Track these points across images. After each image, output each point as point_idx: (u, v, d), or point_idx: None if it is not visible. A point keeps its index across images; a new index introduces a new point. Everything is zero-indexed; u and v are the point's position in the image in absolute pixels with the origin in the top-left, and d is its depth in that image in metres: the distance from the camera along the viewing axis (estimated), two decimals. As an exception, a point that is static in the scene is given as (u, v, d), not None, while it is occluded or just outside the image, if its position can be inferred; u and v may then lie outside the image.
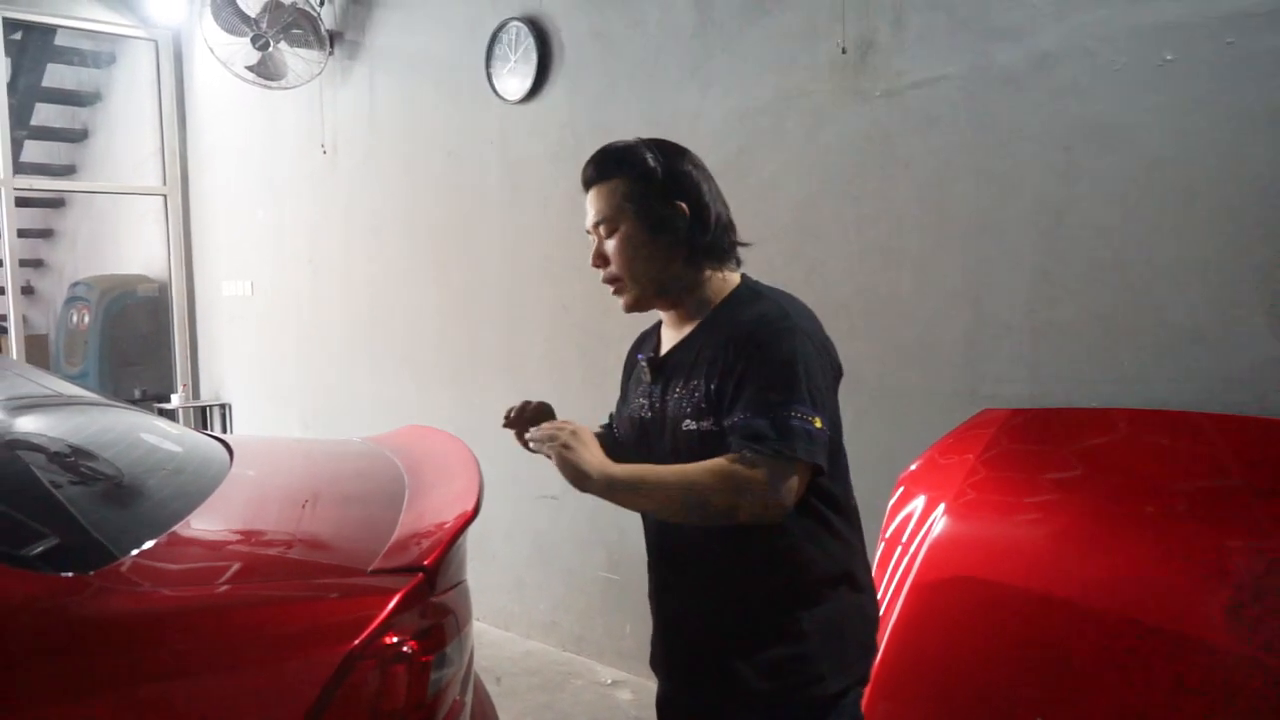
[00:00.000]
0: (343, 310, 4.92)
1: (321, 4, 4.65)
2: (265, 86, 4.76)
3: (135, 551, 1.49)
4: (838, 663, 1.54)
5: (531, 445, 1.60)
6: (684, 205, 1.58)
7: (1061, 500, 2.03)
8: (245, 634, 1.37)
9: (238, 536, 1.76)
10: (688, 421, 1.54)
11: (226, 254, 5.75)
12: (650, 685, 1.78)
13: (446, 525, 1.58)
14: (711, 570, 1.58)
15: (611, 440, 1.74)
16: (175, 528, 1.62)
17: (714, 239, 1.60)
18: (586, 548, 3.81)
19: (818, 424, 1.42)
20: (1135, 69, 2.36)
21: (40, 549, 1.44)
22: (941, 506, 2.06)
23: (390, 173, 4.56)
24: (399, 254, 4.57)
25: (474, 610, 1.69)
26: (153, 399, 6.01)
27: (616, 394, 1.83)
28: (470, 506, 1.63)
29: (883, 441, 2.79)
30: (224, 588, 1.49)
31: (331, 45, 4.68)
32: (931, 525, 2.05)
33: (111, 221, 7.13)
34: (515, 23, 3.84)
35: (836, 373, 1.58)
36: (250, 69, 4.67)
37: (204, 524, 1.70)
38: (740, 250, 1.67)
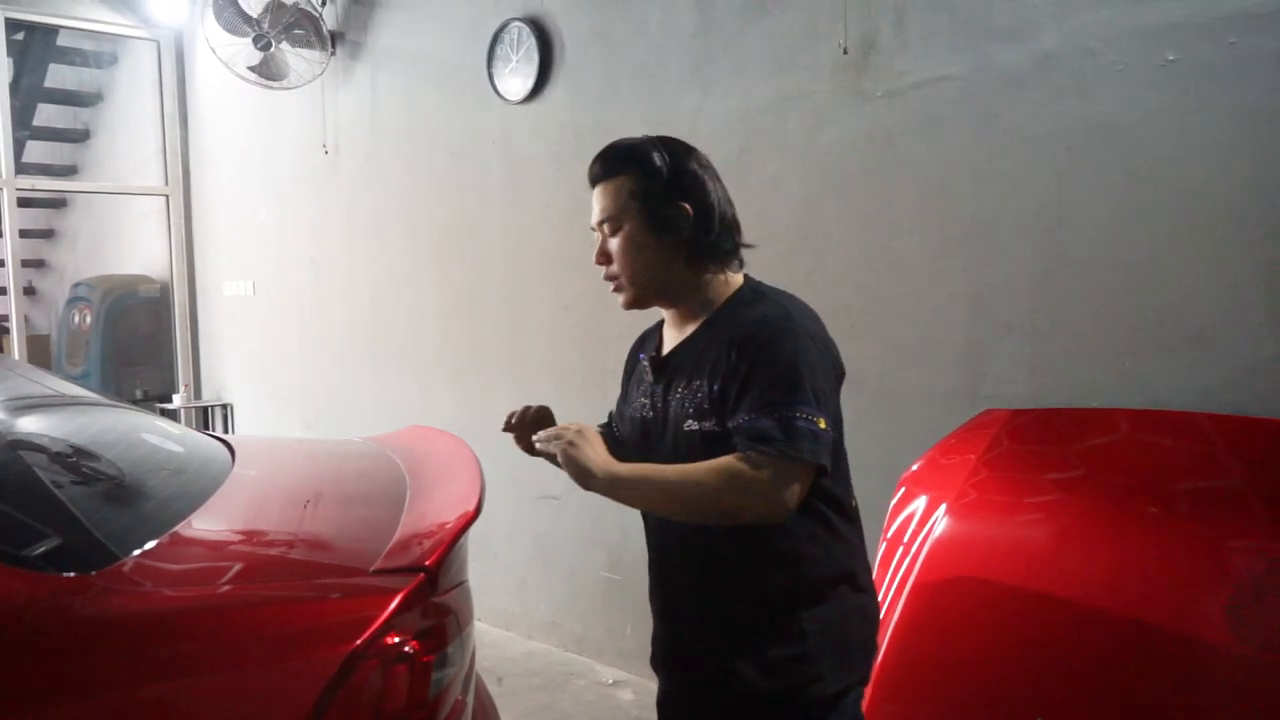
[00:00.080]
0: (344, 310, 4.92)
1: (323, 4, 4.65)
2: (267, 87, 4.76)
3: (137, 552, 1.49)
4: (838, 662, 1.54)
5: (537, 446, 1.60)
6: (688, 206, 1.57)
7: (1063, 500, 2.03)
8: (247, 634, 1.37)
9: (239, 537, 1.76)
10: (690, 421, 1.54)
11: (228, 254, 5.75)
12: (651, 685, 1.78)
13: (448, 525, 1.58)
14: (712, 570, 1.58)
15: (613, 439, 1.74)
16: (177, 528, 1.62)
17: (717, 240, 1.59)
18: (588, 548, 3.81)
19: (822, 424, 1.43)
20: (1137, 69, 2.36)
21: (42, 549, 1.44)
22: (943, 507, 2.06)
23: (392, 173, 4.57)
24: (400, 254, 4.57)
25: (475, 610, 1.69)
26: (154, 399, 6.01)
27: (618, 394, 1.83)
28: (472, 507, 1.63)
29: (884, 441, 2.79)
30: (226, 588, 1.50)
31: (333, 45, 4.69)
32: (933, 525, 2.05)
33: (113, 222, 7.14)
34: (517, 23, 3.84)
35: (839, 373, 1.58)
36: (252, 69, 4.67)
37: (206, 524, 1.70)
38: (743, 251, 1.67)
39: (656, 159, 1.58)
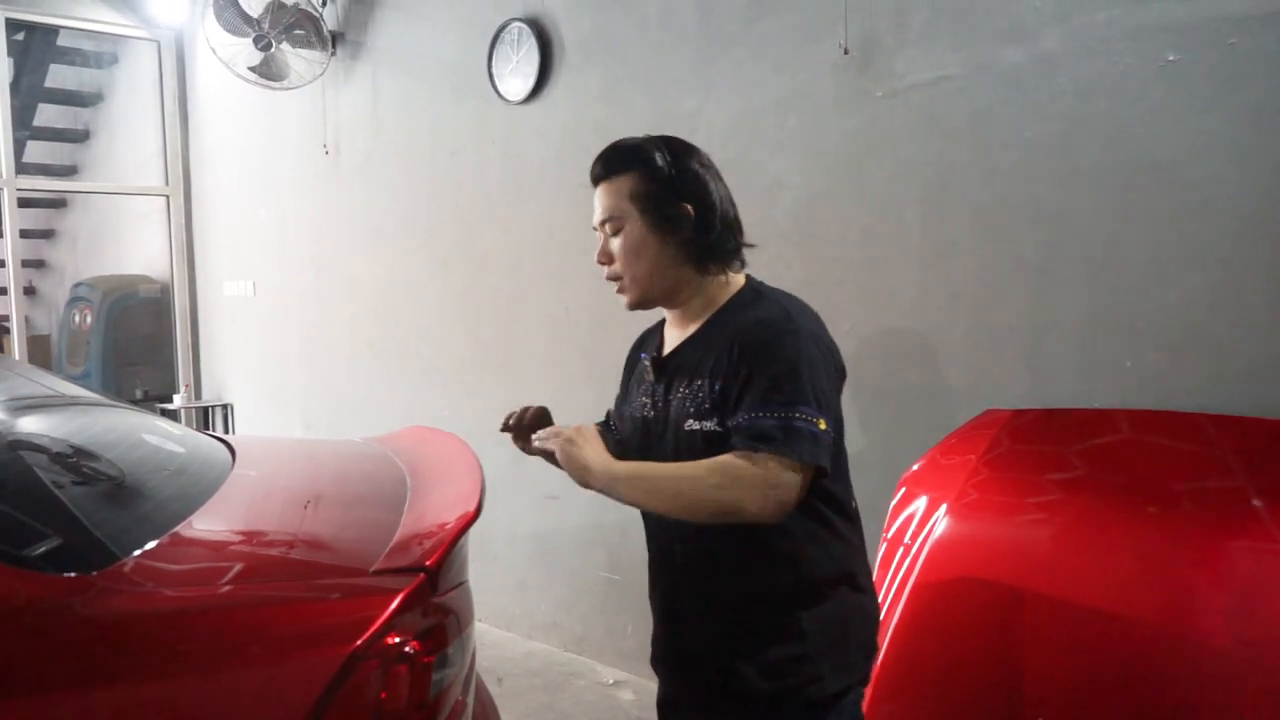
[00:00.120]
0: (345, 311, 4.92)
1: (324, 4, 4.65)
2: (267, 87, 4.76)
3: (137, 552, 1.49)
4: (838, 663, 1.54)
5: (535, 444, 1.60)
6: (690, 206, 1.57)
7: (1063, 500, 2.03)
8: (247, 634, 1.37)
9: (240, 537, 1.76)
10: (690, 422, 1.54)
11: (228, 254, 5.76)
12: (652, 685, 1.78)
13: (448, 526, 1.58)
14: (712, 570, 1.58)
15: (611, 438, 1.74)
16: (177, 528, 1.62)
17: (719, 240, 1.59)
18: (588, 548, 3.81)
19: (822, 425, 1.43)
20: (1137, 70, 2.36)
21: (43, 549, 1.44)
22: (943, 507, 2.06)
23: (393, 173, 4.57)
24: (401, 254, 4.57)
25: (476, 611, 1.69)
26: (155, 399, 6.02)
27: (617, 393, 1.83)
28: (472, 507, 1.63)
29: (884, 441, 2.80)
30: (226, 588, 1.50)
31: (334, 46, 4.69)
32: (933, 526, 2.05)
33: (113, 222, 7.14)
34: (517, 23, 3.84)
35: (840, 374, 1.58)
36: (252, 69, 4.68)
37: (206, 524, 1.70)
38: (744, 251, 1.67)
39: (659, 159, 1.58)
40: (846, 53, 2.88)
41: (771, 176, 3.09)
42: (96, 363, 6.48)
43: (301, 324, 5.21)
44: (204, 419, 5.80)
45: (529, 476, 3.93)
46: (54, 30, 6.20)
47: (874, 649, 1.64)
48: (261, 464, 2.15)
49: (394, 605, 1.38)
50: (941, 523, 2.04)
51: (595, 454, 1.50)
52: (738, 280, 1.64)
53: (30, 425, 1.93)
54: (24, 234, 6.46)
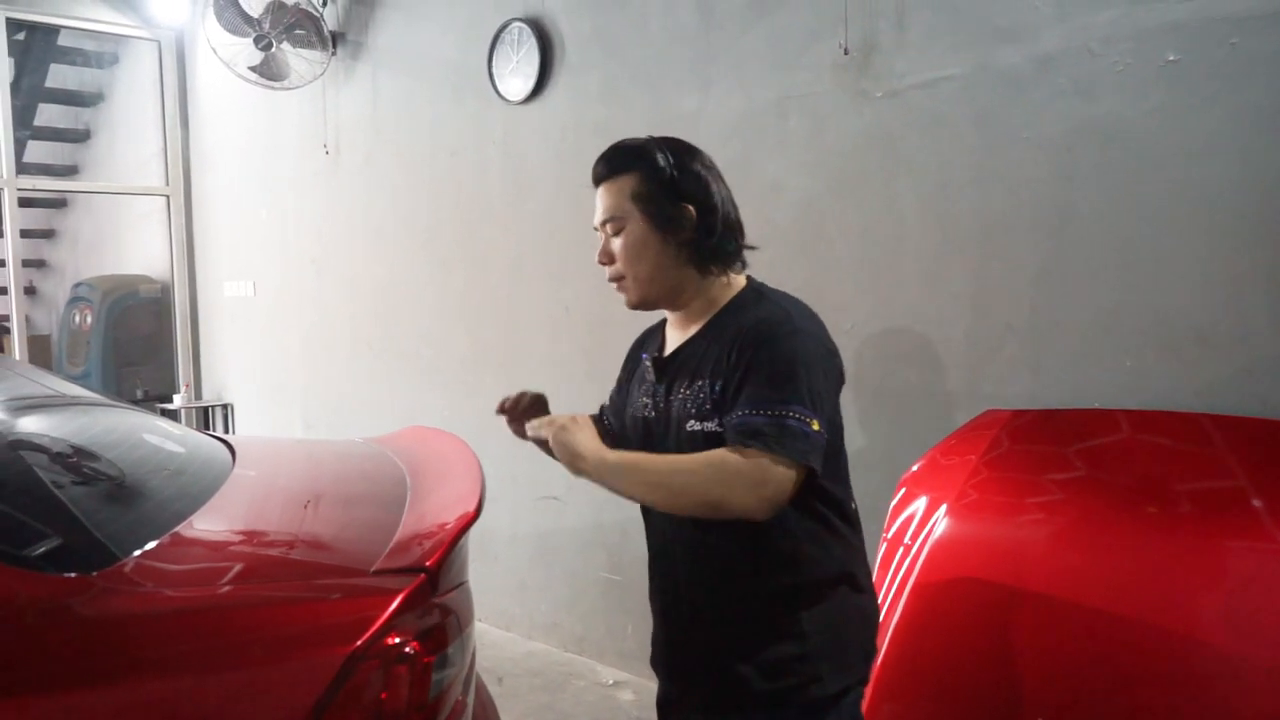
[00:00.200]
0: (345, 310, 4.92)
1: (324, 4, 4.65)
2: (268, 87, 4.76)
3: (138, 552, 1.49)
4: (838, 663, 1.55)
5: (529, 432, 1.60)
6: (691, 207, 1.57)
7: (1063, 501, 2.03)
8: (247, 634, 1.37)
9: (240, 537, 1.76)
10: (692, 422, 1.54)
11: (229, 254, 5.76)
12: (652, 686, 1.78)
13: (448, 526, 1.58)
14: (712, 570, 1.58)
15: (603, 429, 1.75)
16: (178, 528, 1.62)
17: (720, 242, 1.59)
18: (588, 549, 3.81)
19: (815, 426, 1.42)
20: (1138, 70, 2.36)
21: (43, 549, 1.44)
22: (943, 507, 2.06)
23: (393, 173, 4.57)
24: (401, 254, 4.57)
25: (476, 611, 1.69)
26: (155, 399, 6.01)
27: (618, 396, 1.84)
28: (472, 507, 1.63)
29: (884, 442, 2.80)
30: (226, 588, 1.50)
31: (334, 46, 4.69)
32: (933, 526, 2.05)
33: (114, 222, 7.14)
34: (517, 23, 3.84)
35: (839, 377, 1.58)
36: (253, 69, 4.68)
37: (206, 525, 1.70)
38: (745, 252, 1.67)
39: (661, 159, 1.58)
40: (846, 53, 2.88)
41: (771, 177, 3.09)
42: (96, 363, 6.48)
43: (302, 324, 5.21)
44: (204, 419, 5.80)
45: (529, 476, 3.93)
46: (55, 30, 6.20)
47: (874, 649, 1.64)
48: (261, 464, 2.15)
49: (394, 605, 1.38)
50: (941, 523, 2.04)
51: (588, 441, 1.50)
52: (739, 281, 1.64)
53: (30, 425, 1.93)
54: (24, 234, 6.45)
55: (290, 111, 5.07)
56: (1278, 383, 2.18)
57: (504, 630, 4.15)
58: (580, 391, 3.64)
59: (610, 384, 1.88)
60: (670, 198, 1.57)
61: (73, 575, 1.39)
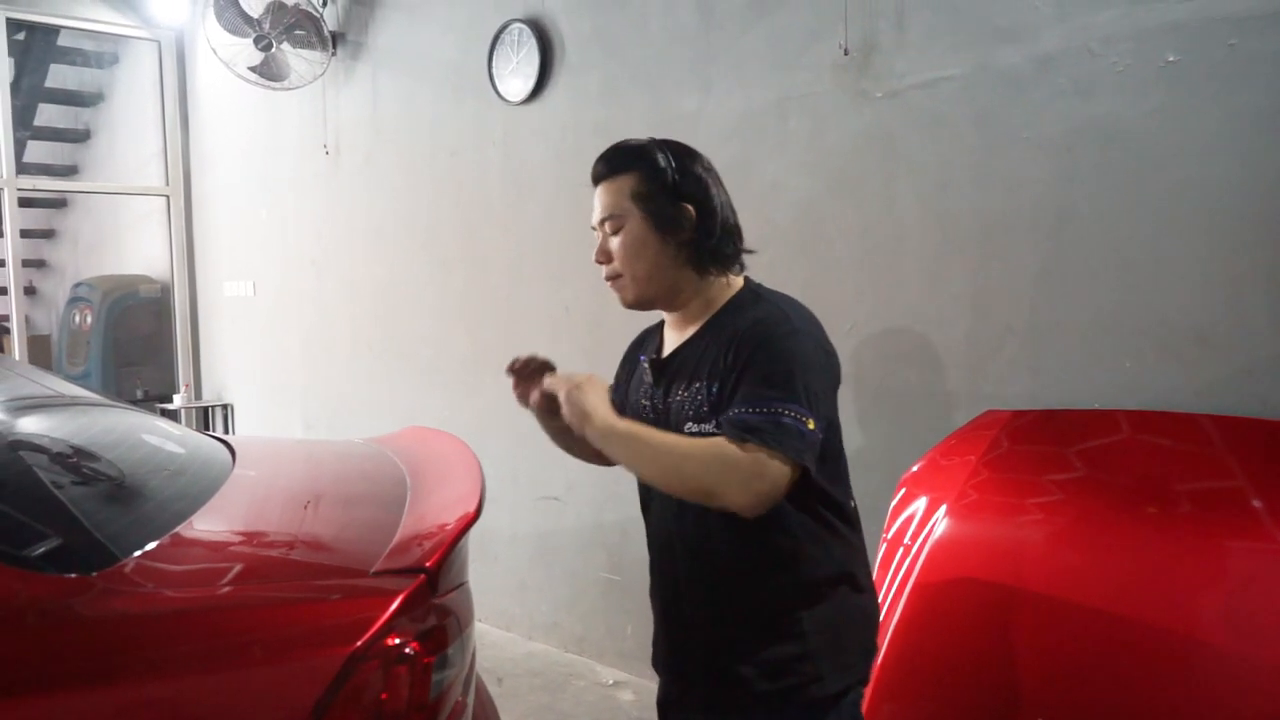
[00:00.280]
0: (345, 311, 4.92)
1: (324, 5, 4.65)
2: (268, 87, 4.76)
3: (138, 553, 1.49)
4: (838, 662, 1.55)
5: (545, 384, 1.59)
6: (691, 208, 1.58)
7: (1063, 501, 2.03)
8: (247, 635, 1.37)
9: (240, 538, 1.76)
10: (690, 424, 1.54)
11: (229, 254, 5.76)
12: (652, 686, 1.78)
13: (448, 527, 1.58)
14: (713, 570, 1.58)
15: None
16: (178, 529, 1.62)
17: (719, 244, 1.59)
18: (588, 549, 3.81)
19: (810, 425, 1.42)
20: (1138, 70, 2.36)
21: (43, 550, 1.44)
22: (943, 507, 2.06)
23: (393, 174, 4.57)
24: (401, 255, 4.57)
25: (476, 611, 1.69)
26: (155, 400, 6.01)
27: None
28: (472, 508, 1.63)
29: (884, 442, 2.80)
30: (226, 589, 1.50)
31: (334, 46, 4.69)
32: (933, 526, 2.05)
33: (114, 222, 7.14)
34: (517, 24, 3.85)
35: (836, 377, 1.58)
36: (253, 70, 4.68)
37: (206, 525, 1.70)
38: (743, 255, 1.67)
39: (661, 160, 1.59)
40: (846, 53, 2.88)
41: (771, 177, 3.09)
42: (96, 363, 6.48)
43: (302, 324, 5.21)
44: (204, 419, 5.80)
45: (529, 476, 3.94)
46: (54, 30, 6.20)
47: (874, 649, 1.64)
48: (261, 464, 2.15)
49: (394, 606, 1.37)
50: (941, 523, 2.04)
51: (600, 404, 1.50)
52: (737, 282, 1.64)
53: (30, 425, 1.93)
54: (24, 234, 6.46)
55: (290, 112, 5.07)
56: (1278, 383, 2.18)
57: (504, 630, 4.15)
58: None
59: (610, 383, 1.88)
60: (670, 198, 1.57)
61: (73, 575, 1.39)
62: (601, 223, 1.63)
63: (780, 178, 3.08)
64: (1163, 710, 1.72)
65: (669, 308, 1.66)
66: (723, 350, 1.52)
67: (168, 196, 6.00)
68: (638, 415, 1.67)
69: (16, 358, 5.46)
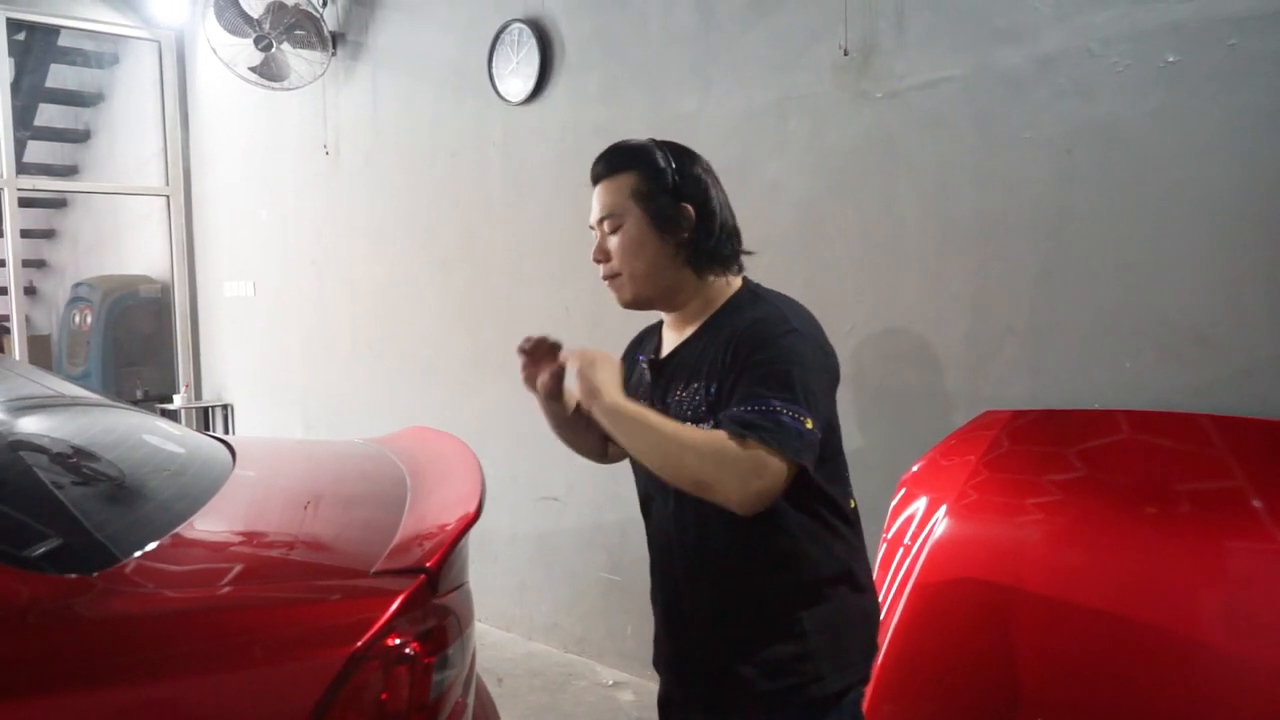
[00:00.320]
0: (345, 311, 4.92)
1: (324, 5, 4.65)
2: (268, 87, 4.76)
3: (138, 553, 1.49)
4: (838, 662, 1.55)
5: (561, 357, 1.62)
6: (690, 208, 1.58)
7: (1063, 501, 2.03)
8: (248, 635, 1.37)
9: (240, 538, 1.76)
10: (689, 424, 1.54)
11: (229, 255, 5.76)
12: (652, 686, 1.78)
13: (449, 527, 1.58)
14: (713, 570, 1.58)
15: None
16: (178, 529, 1.62)
17: (718, 244, 1.60)
18: (588, 549, 3.81)
19: (809, 424, 1.42)
20: (1138, 71, 2.36)
21: (43, 550, 1.44)
22: (943, 508, 2.06)
23: (393, 174, 4.57)
24: (401, 255, 4.57)
25: (476, 612, 1.69)
26: (155, 400, 6.01)
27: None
28: (472, 508, 1.63)
29: (884, 442, 2.80)
30: (227, 589, 1.50)
31: (334, 46, 4.69)
32: (933, 526, 2.05)
33: (114, 222, 7.14)
34: (517, 24, 3.85)
35: (834, 377, 1.58)
36: (253, 70, 4.68)
37: (207, 525, 1.70)
38: (742, 257, 1.67)
39: (661, 160, 1.59)
40: (846, 53, 2.88)
41: (771, 177, 3.09)
42: (96, 363, 6.48)
43: (302, 324, 5.21)
44: (204, 419, 5.80)
45: (529, 477, 3.94)
46: (55, 30, 6.20)
47: (874, 649, 1.64)
48: (262, 465, 2.15)
49: (394, 606, 1.38)
50: (941, 523, 2.04)
51: (611, 383, 1.50)
52: (735, 283, 1.64)
53: (31, 425, 1.93)
54: (24, 234, 6.45)
55: (290, 112, 5.07)
56: (1278, 383, 2.18)
57: (504, 631, 4.15)
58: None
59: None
60: (670, 197, 1.58)
61: (73, 576, 1.39)
62: (600, 222, 1.63)
63: (780, 178, 3.08)
64: (1163, 710, 1.72)
65: (667, 308, 1.66)
66: (721, 350, 1.52)
67: (168, 196, 6.00)
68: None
69: (16, 358, 5.46)
